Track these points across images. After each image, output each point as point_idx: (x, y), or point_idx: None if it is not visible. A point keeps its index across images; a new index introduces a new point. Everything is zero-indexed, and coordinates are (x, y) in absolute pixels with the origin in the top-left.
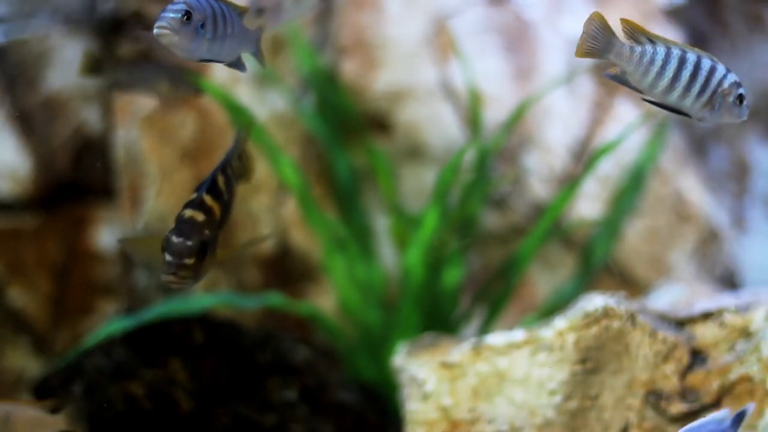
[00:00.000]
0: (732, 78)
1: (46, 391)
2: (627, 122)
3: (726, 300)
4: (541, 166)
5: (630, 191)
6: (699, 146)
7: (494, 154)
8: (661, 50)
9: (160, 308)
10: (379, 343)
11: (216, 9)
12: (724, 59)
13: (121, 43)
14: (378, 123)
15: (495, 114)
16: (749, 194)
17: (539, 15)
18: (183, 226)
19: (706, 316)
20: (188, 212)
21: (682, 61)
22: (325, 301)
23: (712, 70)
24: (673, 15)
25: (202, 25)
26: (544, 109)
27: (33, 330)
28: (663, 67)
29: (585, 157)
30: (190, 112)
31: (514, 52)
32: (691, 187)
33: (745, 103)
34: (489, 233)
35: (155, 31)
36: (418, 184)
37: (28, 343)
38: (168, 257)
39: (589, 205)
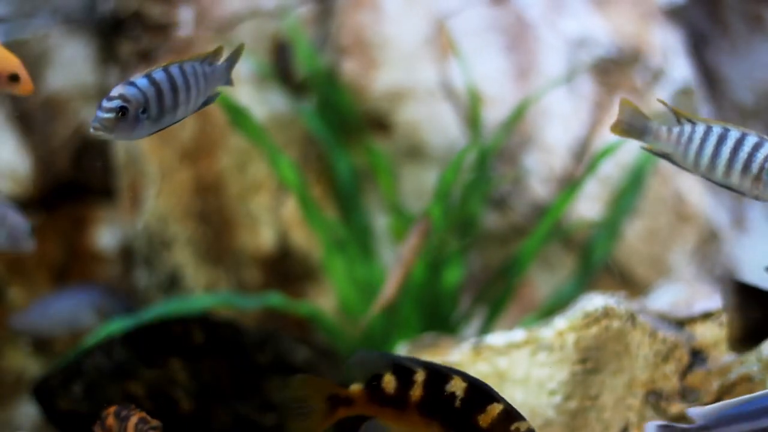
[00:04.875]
0: None
1: (46, 391)
2: None
3: None
4: (541, 166)
5: (630, 191)
6: None
7: (494, 154)
8: (700, 129)
9: (160, 308)
10: (379, 343)
11: (165, 83)
12: (724, 59)
13: (121, 43)
14: (378, 123)
15: (495, 114)
16: None
17: (539, 15)
18: None
19: (706, 316)
20: None
21: (722, 138)
22: (325, 301)
23: (757, 146)
24: (673, 15)
25: (144, 110)
26: (544, 109)
27: None
28: (701, 145)
29: (585, 157)
30: None
31: (514, 52)
32: (691, 187)
33: None
34: (489, 233)
35: (91, 130)
36: (418, 184)
37: (28, 343)
38: None
39: (589, 205)
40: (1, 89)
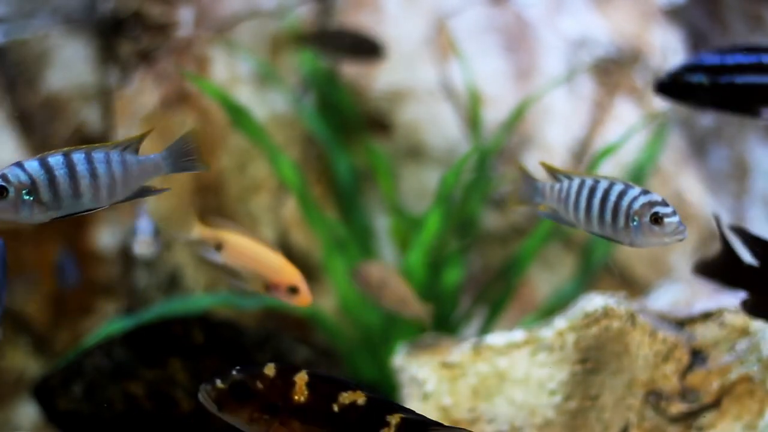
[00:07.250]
0: (645, 198)
1: (46, 391)
2: (627, 122)
3: (726, 300)
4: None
5: None
6: (699, 146)
7: (494, 154)
8: (575, 183)
9: (160, 308)
10: (379, 343)
11: (61, 167)
12: None
13: (121, 43)
14: (378, 123)
15: (495, 114)
16: (749, 194)
17: (539, 15)
18: None
19: (706, 316)
20: None
21: (592, 190)
22: (325, 301)
23: (621, 194)
24: (673, 15)
25: (29, 192)
26: (544, 109)
27: (33, 330)
28: (577, 199)
29: (585, 157)
30: (190, 112)
31: (514, 52)
32: (691, 187)
33: (668, 221)
34: (489, 233)
35: None
36: (418, 184)
37: (28, 343)
38: None
39: None
40: (279, 297)
